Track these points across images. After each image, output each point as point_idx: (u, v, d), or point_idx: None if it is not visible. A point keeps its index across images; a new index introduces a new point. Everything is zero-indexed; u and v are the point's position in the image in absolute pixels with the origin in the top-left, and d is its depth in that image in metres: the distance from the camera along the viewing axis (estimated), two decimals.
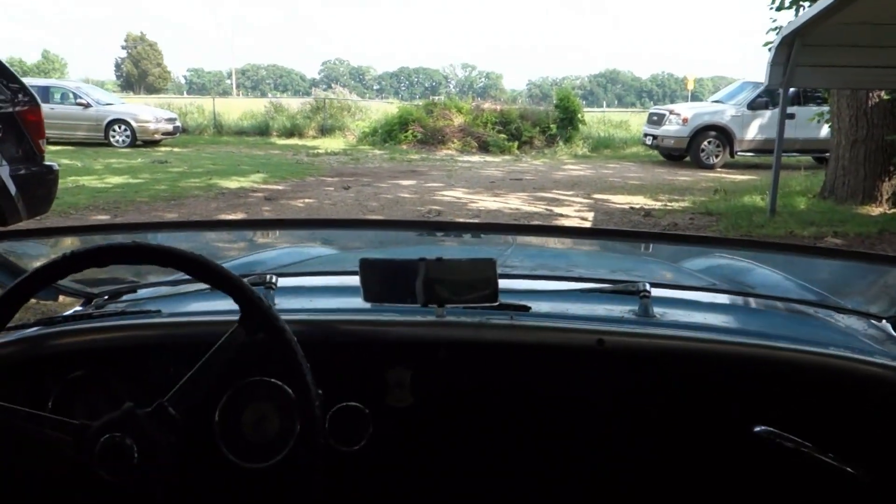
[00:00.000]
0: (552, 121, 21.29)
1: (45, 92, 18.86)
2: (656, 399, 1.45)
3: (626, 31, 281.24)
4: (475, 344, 1.46)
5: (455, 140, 20.38)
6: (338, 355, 1.44)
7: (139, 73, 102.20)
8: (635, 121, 25.66)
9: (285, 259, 2.23)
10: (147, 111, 19.65)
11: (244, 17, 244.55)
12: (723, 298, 1.91)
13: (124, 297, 1.83)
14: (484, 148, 20.18)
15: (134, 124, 18.57)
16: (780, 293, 1.99)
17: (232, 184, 12.13)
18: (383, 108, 24.55)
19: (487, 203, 10.44)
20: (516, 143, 20.41)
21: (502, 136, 20.55)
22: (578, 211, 10.06)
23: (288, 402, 1.39)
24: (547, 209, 10.13)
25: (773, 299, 1.92)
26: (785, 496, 1.42)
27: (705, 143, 16.40)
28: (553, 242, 2.66)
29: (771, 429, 1.36)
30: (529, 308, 1.52)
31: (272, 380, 1.39)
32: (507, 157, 18.91)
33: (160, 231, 1.83)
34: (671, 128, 16.72)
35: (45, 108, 18.02)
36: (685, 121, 16.48)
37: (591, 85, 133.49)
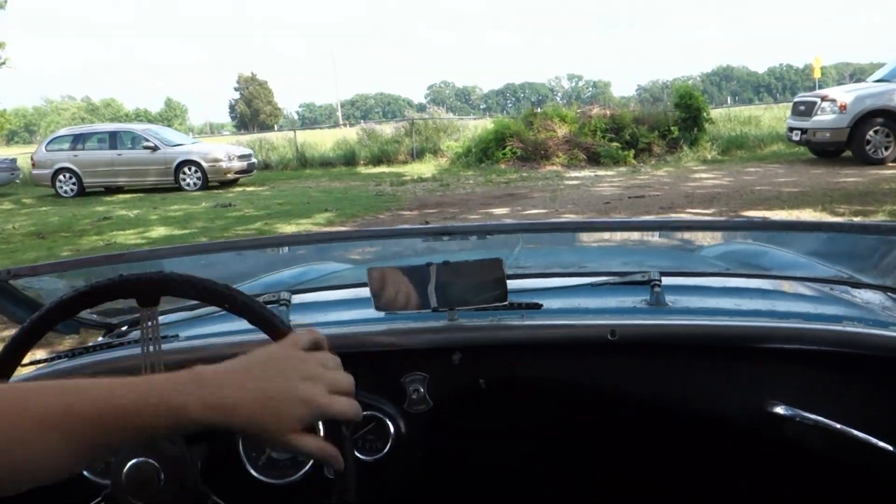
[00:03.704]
0: (672, 122, 18.40)
1: (114, 137, 17.84)
2: (673, 385, 1.44)
3: (735, 24, 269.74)
4: (489, 345, 1.47)
5: (560, 154, 17.84)
6: (354, 366, 1.16)
7: (252, 112, 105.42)
8: (766, 116, 22.59)
9: (298, 277, 2.23)
10: (218, 149, 18.08)
11: (349, 47, 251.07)
12: (736, 282, 1.89)
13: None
14: (594, 160, 17.53)
15: (204, 164, 17.06)
16: (795, 273, 2.05)
17: (290, 227, 10.36)
18: (482, 126, 22.31)
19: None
20: (632, 152, 17.65)
21: (615, 144, 17.84)
22: None
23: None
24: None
25: (786, 279, 1.95)
26: (816, 476, 1.40)
27: (871, 132, 13.24)
28: (563, 239, 2.60)
29: (792, 408, 1.34)
30: (541, 305, 1.52)
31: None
32: (622, 170, 16.24)
33: (173, 257, 1.79)
34: (825, 117, 13.64)
35: (112, 154, 17.18)
36: (843, 107, 13.36)
37: (705, 84, 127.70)
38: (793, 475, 1.41)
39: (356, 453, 1.38)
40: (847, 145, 13.65)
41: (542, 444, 1.49)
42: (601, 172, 15.85)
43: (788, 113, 16.25)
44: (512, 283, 1.50)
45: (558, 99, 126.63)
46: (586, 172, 16.01)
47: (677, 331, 1.45)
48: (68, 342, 2.19)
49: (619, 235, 2.71)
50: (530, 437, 1.49)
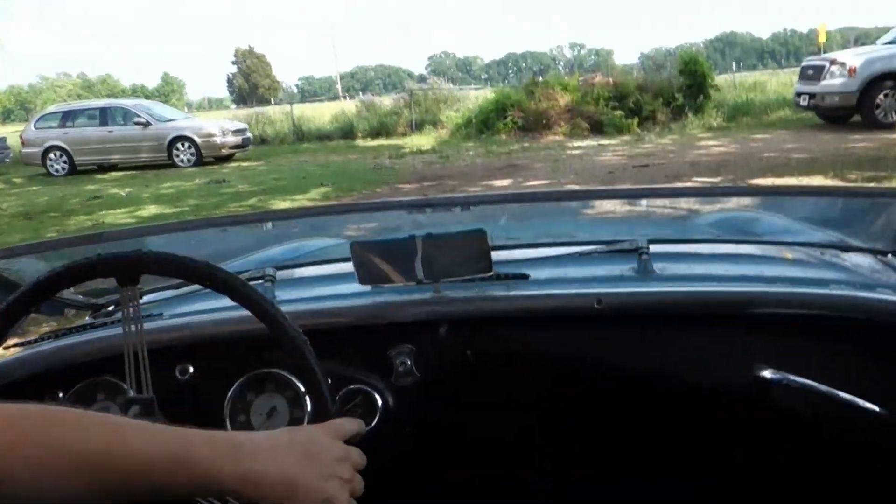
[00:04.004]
0: (677, 89, 17.93)
1: (105, 113, 17.39)
2: (660, 352, 1.44)
3: None
4: (475, 317, 1.45)
5: (562, 123, 17.39)
6: (340, 340, 1.43)
7: (250, 86, 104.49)
8: (772, 82, 22.01)
9: (284, 254, 2.18)
10: (212, 124, 17.58)
11: (349, 20, 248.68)
12: (725, 248, 1.89)
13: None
14: (597, 129, 17.08)
15: (198, 140, 16.60)
16: (785, 238, 2.03)
17: (285, 204, 10.06)
18: (483, 96, 21.82)
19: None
20: (636, 121, 17.20)
21: (618, 113, 17.39)
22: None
23: (296, 393, 1.37)
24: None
25: (776, 245, 1.93)
26: (804, 439, 1.41)
27: (881, 96, 12.85)
28: (552, 209, 2.55)
29: (780, 372, 1.34)
30: (528, 276, 1.50)
31: (279, 371, 1.38)
32: (625, 138, 15.83)
33: (155, 235, 1.80)
34: (834, 82, 13.24)
35: (103, 131, 16.73)
36: (853, 71, 12.97)
37: (708, 51, 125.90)
38: (781, 439, 1.42)
39: None
40: (856, 110, 13.31)
41: (530, 414, 1.49)
42: (604, 142, 15.45)
43: (795, 78, 15.84)
44: (499, 255, 1.52)
45: (560, 68, 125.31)
46: (589, 142, 15.60)
47: (663, 298, 1.44)
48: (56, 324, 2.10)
49: (608, 205, 2.67)
50: (518, 408, 1.49)
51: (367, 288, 1.50)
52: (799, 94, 14.43)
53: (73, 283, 1.06)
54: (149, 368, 1.07)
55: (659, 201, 2.48)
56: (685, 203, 2.54)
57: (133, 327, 1.06)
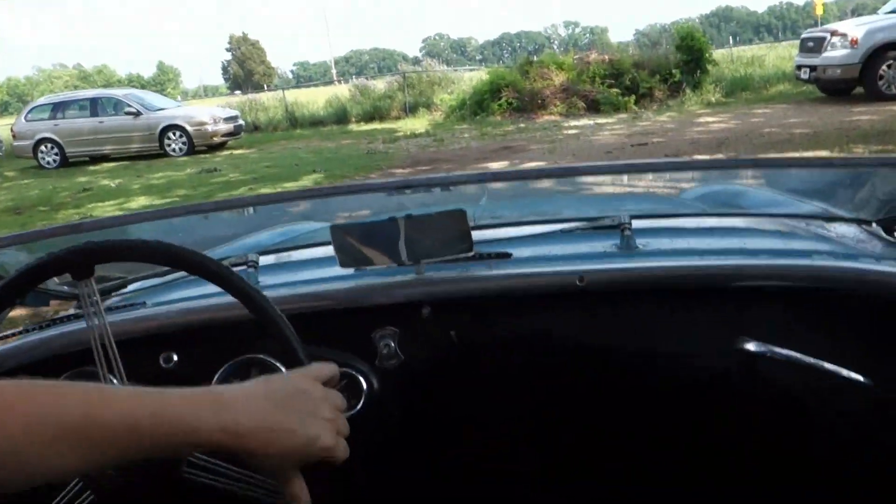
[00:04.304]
0: (674, 65, 17.64)
1: (95, 104, 17.10)
2: (644, 328, 1.43)
3: None
4: (458, 297, 1.45)
5: (557, 103, 17.12)
6: (323, 324, 1.43)
7: (245, 73, 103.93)
8: (770, 55, 21.81)
9: (267, 239, 2.21)
10: (203, 112, 17.29)
11: (344, 4, 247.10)
12: (708, 222, 1.86)
13: (115, 294, 1.81)
14: (593, 108, 16.83)
15: (189, 129, 16.33)
16: (769, 210, 2.01)
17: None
18: (477, 77, 21.51)
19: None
20: (633, 98, 16.94)
21: (614, 91, 17.13)
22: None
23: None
24: None
25: (761, 217, 1.92)
26: (790, 410, 1.41)
27: (884, 67, 12.62)
28: (535, 188, 2.58)
29: (764, 344, 1.34)
30: (511, 255, 1.50)
31: (264, 356, 1.39)
32: (622, 116, 15.58)
33: (134, 223, 1.78)
34: (835, 53, 13.02)
35: (94, 121, 16.46)
36: (854, 42, 12.74)
37: (704, 26, 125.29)
38: (767, 411, 1.42)
39: None
40: (859, 82, 13.09)
41: (515, 393, 1.49)
42: (601, 120, 15.21)
43: (794, 52, 15.59)
44: (481, 234, 1.54)
45: (555, 47, 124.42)
46: (585, 121, 15.35)
47: (646, 274, 1.43)
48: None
49: (591, 181, 2.63)
50: (503, 387, 1.49)
51: (350, 271, 1.48)
52: (799, 67, 14.21)
53: (33, 285, 1.04)
54: (119, 357, 1.06)
55: (642, 176, 2.43)
56: (668, 177, 2.50)
57: (96, 320, 1.04)
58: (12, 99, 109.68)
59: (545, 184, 2.49)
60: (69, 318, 1.54)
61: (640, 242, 1.55)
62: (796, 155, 8.26)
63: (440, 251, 1.42)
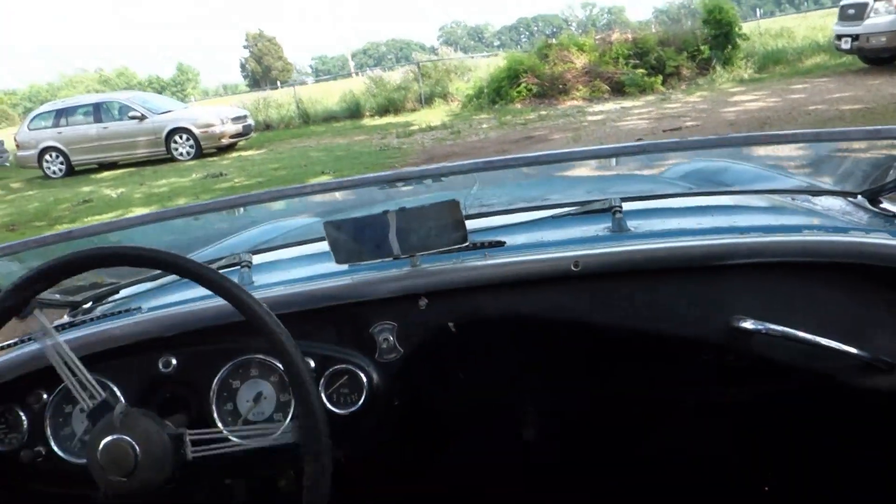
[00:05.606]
0: (702, 41, 16.72)
1: (99, 109, 16.51)
2: (641, 310, 1.43)
3: None
4: (454, 287, 1.45)
5: (580, 86, 16.35)
6: (321, 321, 1.45)
7: (263, 69, 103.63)
8: (802, 26, 20.60)
9: (259, 237, 2.21)
10: (210, 113, 16.58)
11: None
12: (697, 201, 1.88)
13: (108, 300, 1.85)
14: (618, 90, 16.02)
15: (196, 131, 15.64)
16: (757, 186, 2.03)
17: None
18: (494, 64, 20.69)
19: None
20: (659, 78, 16.14)
21: (640, 71, 16.32)
22: None
23: (281, 377, 1.40)
24: None
25: (747, 193, 1.95)
26: (787, 385, 1.42)
27: None
28: (525, 174, 2.58)
29: (759, 321, 1.34)
30: (504, 243, 1.52)
31: (263, 357, 1.41)
32: (649, 98, 14.75)
33: (119, 230, 1.80)
34: (880, 20, 12.16)
35: (98, 127, 15.69)
36: None
37: None
38: (764, 387, 1.44)
39: (332, 408, 1.40)
40: None
41: (515, 379, 1.51)
42: (627, 103, 14.40)
43: (828, 21, 14.64)
44: (475, 223, 1.63)
45: (573, 29, 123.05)
46: (610, 105, 14.56)
47: (638, 255, 1.43)
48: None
49: (582, 165, 2.69)
50: (503, 375, 1.51)
51: (345, 266, 1.47)
52: (839, 37, 13.25)
53: (50, 283, 1.14)
54: (86, 373, 1.14)
55: (631, 158, 2.49)
56: (657, 158, 2.57)
57: (48, 341, 1.10)
58: (34, 104, 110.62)
59: (536, 169, 2.42)
60: (77, 324, 1.56)
61: (632, 224, 1.57)
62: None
63: (435, 242, 1.41)
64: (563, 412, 1.52)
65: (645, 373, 1.46)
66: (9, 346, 1.57)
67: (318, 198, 2.45)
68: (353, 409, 1.40)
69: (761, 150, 2.32)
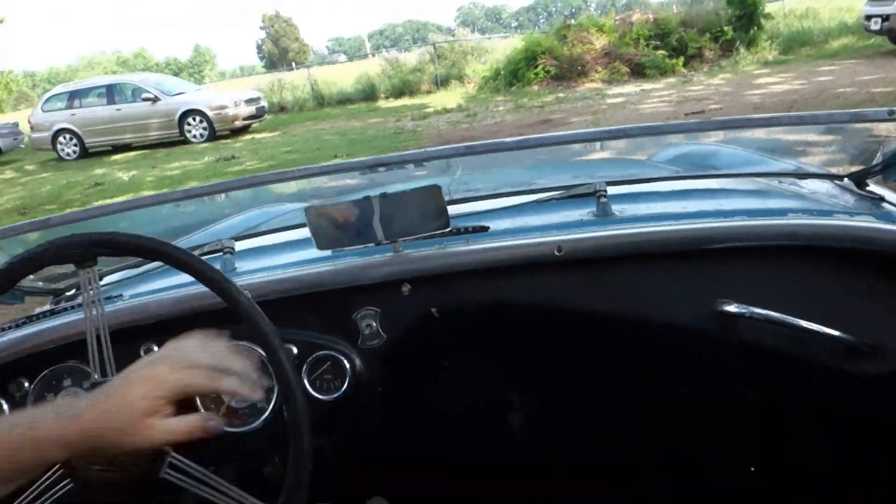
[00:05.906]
0: (725, 22, 16.31)
1: (112, 91, 16.37)
2: (625, 294, 1.44)
3: None
4: (437, 273, 1.45)
5: (599, 68, 16.00)
6: (304, 308, 1.45)
7: (280, 51, 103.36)
8: (827, 7, 20.02)
9: (243, 224, 2.21)
10: (223, 95, 16.41)
11: None
12: (683, 185, 1.86)
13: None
14: (638, 72, 15.67)
15: (209, 113, 15.46)
16: (743, 170, 2.05)
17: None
18: (511, 45, 20.37)
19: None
20: (681, 60, 15.76)
21: (661, 52, 15.95)
22: None
23: (264, 363, 1.30)
24: None
25: (734, 177, 1.94)
26: (772, 370, 1.43)
27: None
28: (509, 159, 2.49)
29: (744, 305, 1.33)
30: (488, 228, 1.52)
31: (245, 343, 1.35)
32: (671, 81, 14.41)
33: (102, 216, 1.75)
34: None
35: (111, 109, 15.63)
36: None
37: None
38: (750, 372, 1.43)
39: (315, 394, 1.40)
40: None
41: (499, 366, 1.51)
42: (647, 86, 14.07)
43: (854, 2, 14.22)
44: (458, 208, 1.63)
45: (592, 10, 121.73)
46: (630, 88, 14.23)
47: (623, 240, 1.43)
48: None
49: (566, 149, 2.67)
50: (487, 361, 1.50)
51: (327, 253, 1.46)
52: (869, 17, 12.90)
53: (31, 272, 1.09)
54: (111, 350, 1.09)
55: (616, 142, 2.48)
56: (642, 142, 2.56)
57: (94, 311, 1.08)
58: (53, 86, 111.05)
59: (523, 153, 2.36)
60: (47, 314, 1.54)
61: (617, 209, 1.56)
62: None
63: (417, 228, 1.40)
64: (547, 397, 1.52)
65: (629, 357, 1.46)
66: None
67: (307, 183, 2.42)
68: (336, 395, 1.41)
69: (748, 134, 2.32)
